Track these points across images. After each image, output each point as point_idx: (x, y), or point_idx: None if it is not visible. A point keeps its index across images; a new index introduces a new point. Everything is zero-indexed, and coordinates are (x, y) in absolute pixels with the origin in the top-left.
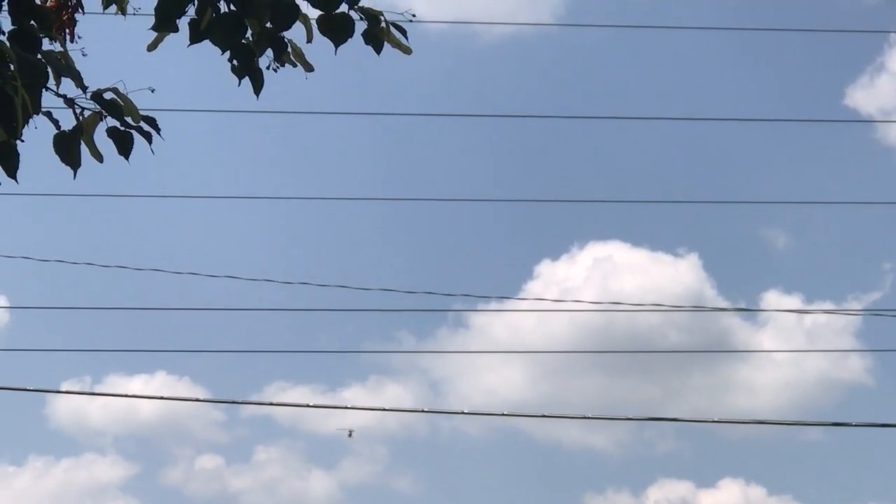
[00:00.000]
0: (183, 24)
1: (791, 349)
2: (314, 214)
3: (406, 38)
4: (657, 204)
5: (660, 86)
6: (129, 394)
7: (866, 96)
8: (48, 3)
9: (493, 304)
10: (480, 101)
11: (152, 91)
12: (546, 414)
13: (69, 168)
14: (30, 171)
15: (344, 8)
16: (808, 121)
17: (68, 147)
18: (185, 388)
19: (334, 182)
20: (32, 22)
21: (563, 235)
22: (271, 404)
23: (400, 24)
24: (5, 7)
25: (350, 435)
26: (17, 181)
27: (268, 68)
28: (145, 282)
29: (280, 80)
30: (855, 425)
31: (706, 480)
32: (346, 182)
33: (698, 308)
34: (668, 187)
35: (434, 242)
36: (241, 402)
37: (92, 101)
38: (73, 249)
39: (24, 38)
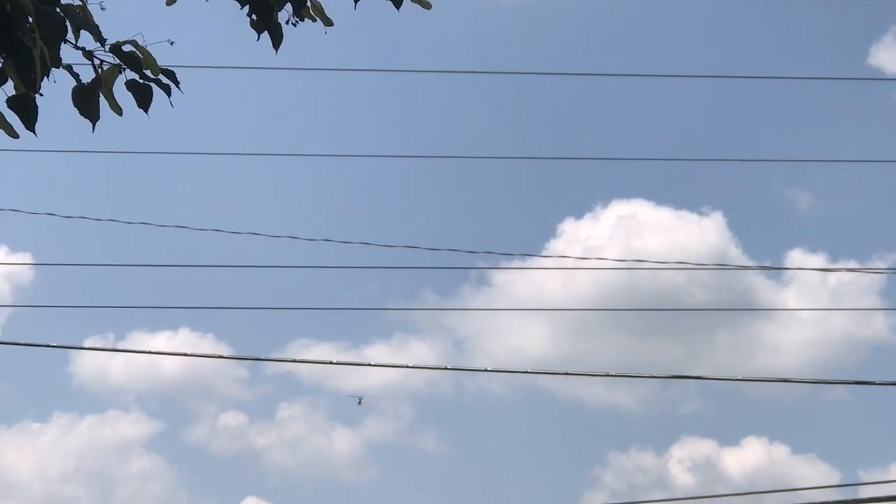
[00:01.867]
0: None
1: (815, 308)
2: (338, 172)
3: None
4: (681, 162)
5: (684, 44)
6: (153, 350)
7: (890, 55)
8: None
9: (517, 262)
10: (504, 58)
11: (171, 44)
12: (570, 371)
13: (88, 121)
14: (51, 127)
15: None
16: (833, 79)
17: (87, 100)
18: (208, 345)
19: (357, 139)
20: None
21: (586, 194)
22: (294, 361)
23: None
24: None
25: (360, 402)
26: (35, 134)
27: (287, 23)
28: (169, 238)
29: (300, 35)
30: (879, 384)
31: (730, 439)
32: (370, 139)
33: (722, 266)
34: (693, 146)
35: (457, 200)
36: (265, 360)
37: (111, 54)
38: (97, 206)
39: None
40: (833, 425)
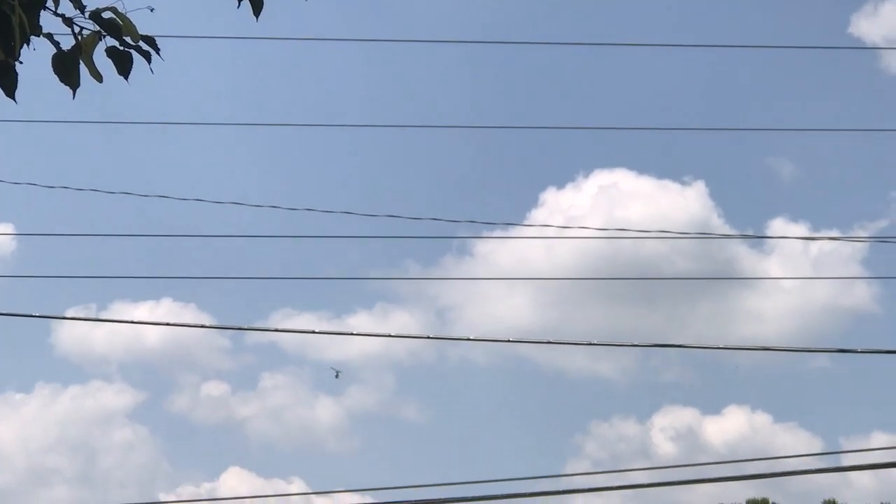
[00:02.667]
0: None
1: (797, 276)
2: (320, 141)
3: None
4: (663, 132)
5: (667, 15)
6: (135, 320)
7: (871, 25)
8: None
9: (499, 232)
10: (487, 29)
11: (151, 10)
12: (552, 340)
13: (69, 89)
14: (32, 97)
15: None
16: (814, 48)
17: (67, 67)
18: (191, 314)
19: (340, 109)
20: None
21: (568, 163)
22: (277, 330)
23: None
24: None
25: (337, 376)
26: (15, 101)
27: None
28: (151, 208)
29: (281, 3)
30: (861, 352)
31: (712, 407)
32: (352, 109)
33: (704, 235)
34: (674, 116)
35: (439, 170)
36: (247, 329)
37: (91, 21)
38: (78, 176)
39: None
40: (815, 394)
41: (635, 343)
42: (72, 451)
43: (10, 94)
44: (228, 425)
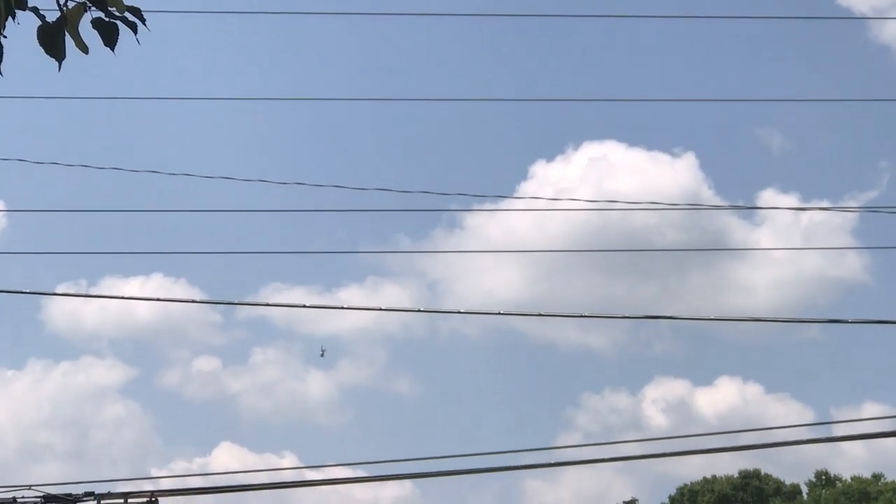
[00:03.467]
0: None
1: (788, 247)
2: (309, 115)
3: None
4: (653, 103)
5: None
6: (126, 296)
7: None
8: None
9: (489, 205)
10: (476, 1)
11: None
12: (543, 313)
13: (54, 60)
14: (19, 71)
15: None
16: (803, 18)
17: (52, 39)
18: (181, 290)
19: (329, 83)
20: None
21: (557, 136)
22: (268, 305)
23: None
24: None
25: (322, 354)
26: (1, 74)
27: None
28: (141, 184)
29: None
30: (852, 322)
31: (703, 379)
32: (341, 83)
33: (694, 206)
34: (664, 87)
35: (428, 143)
36: (238, 304)
37: None
38: (68, 152)
39: None
40: (806, 365)
41: (626, 315)
42: (63, 427)
43: None
44: (220, 400)
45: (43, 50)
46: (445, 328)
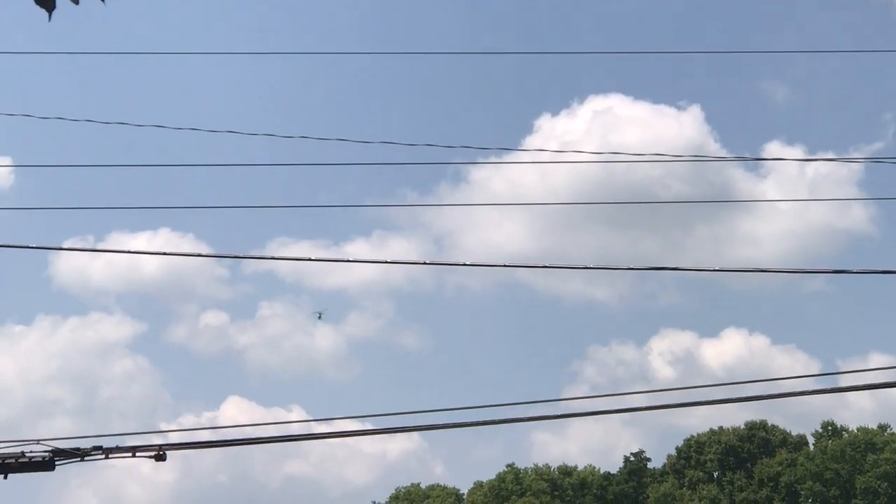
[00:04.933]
0: None
1: (794, 199)
2: (314, 69)
3: None
4: (658, 56)
5: None
6: (132, 250)
7: None
8: None
9: (493, 158)
10: None
11: None
12: (548, 265)
13: (44, 11)
14: (28, 29)
15: None
16: None
17: None
18: (188, 244)
19: (333, 36)
20: None
21: (562, 89)
22: (274, 258)
23: None
24: None
25: (320, 317)
26: None
27: None
28: (146, 138)
29: None
30: (857, 272)
31: (709, 331)
32: (345, 36)
33: (699, 158)
34: (668, 40)
35: (434, 97)
36: (245, 257)
37: None
38: (73, 107)
39: None
40: (812, 316)
41: (632, 266)
42: (72, 383)
43: None
44: (228, 355)
45: (34, 1)
46: (452, 281)
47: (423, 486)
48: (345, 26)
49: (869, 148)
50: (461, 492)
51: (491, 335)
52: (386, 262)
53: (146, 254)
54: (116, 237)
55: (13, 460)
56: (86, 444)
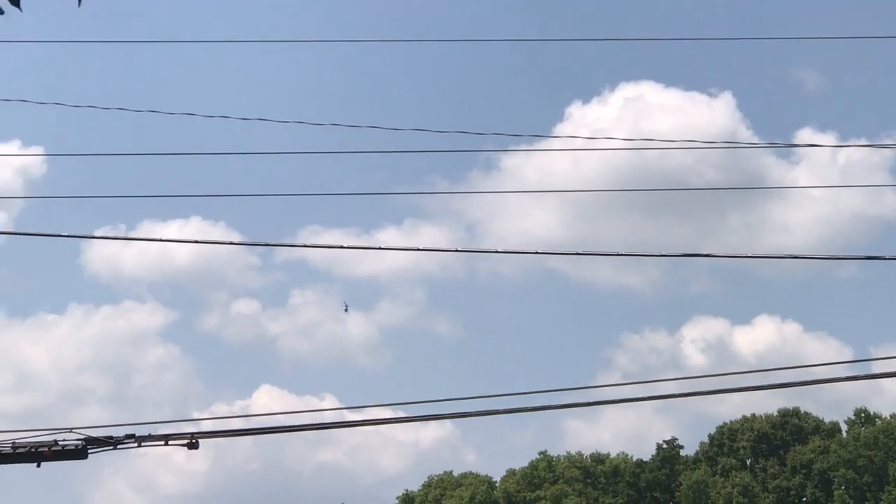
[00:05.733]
0: None
1: (825, 185)
2: (345, 56)
3: None
4: (689, 42)
5: None
6: (164, 238)
7: None
8: None
9: (525, 145)
10: None
11: None
12: (580, 252)
13: None
14: (61, 19)
15: None
16: None
17: None
18: (220, 233)
19: (364, 23)
20: None
21: (593, 76)
22: (305, 246)
23: None
24: None
25: (346, 310)
26: (20, 9)
27: None
28: (178, 126)
29: None
30: (889, 259)
31: (741, 318)
32: (377, 23)
33: (731, 144)
34: (700, 26)
35: (465, 84)
36: (276, 245)
37: None
38: (105, 95)
39: None
40: (844, 302)
41: (664, 253)
42: (105, 371)
43: (16, 2)
44: (259, 343)
45: None
46: (483, 269)
47: (455, 473)
48: (377, 13)
49: None
50: (493, 479)
51: (523, 323)
52: (418, 250)
53: (178, 242)
54: (148, 226)
55: (46, 448)
56: (118, 432)
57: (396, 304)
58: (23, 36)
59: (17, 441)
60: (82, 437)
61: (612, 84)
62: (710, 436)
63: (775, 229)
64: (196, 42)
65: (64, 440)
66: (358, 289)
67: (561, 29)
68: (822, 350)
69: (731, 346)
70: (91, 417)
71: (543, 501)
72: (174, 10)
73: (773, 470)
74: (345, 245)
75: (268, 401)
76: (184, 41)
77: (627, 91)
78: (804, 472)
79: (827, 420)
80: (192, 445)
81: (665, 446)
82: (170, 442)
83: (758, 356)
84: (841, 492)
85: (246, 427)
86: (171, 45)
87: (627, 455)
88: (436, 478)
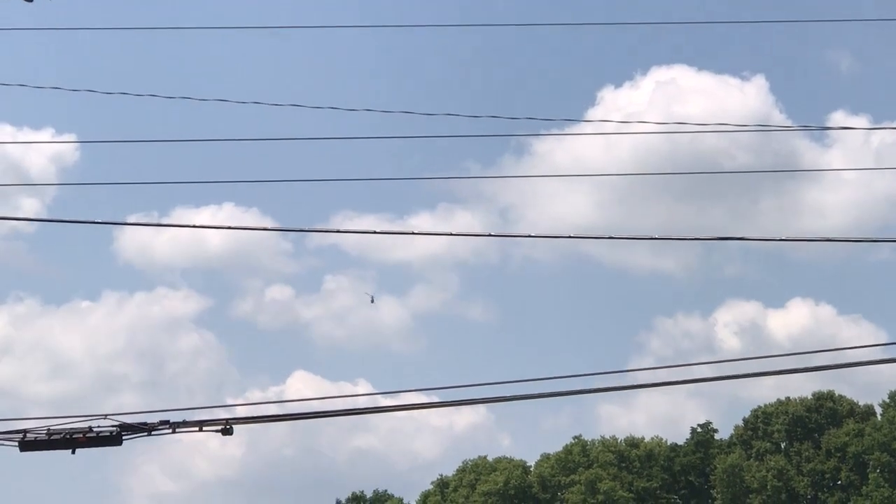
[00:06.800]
0: None
1: (859, 168)
2: (377, 41)
3: None
4: (721, 26)
5: None
6: (197, 224)
7: None
8: None
9: (556, 130)
10: None
11: None
12: (613, 236)
13: None
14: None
15: None
16: None
17: None
18: (253, 219)
19: (398, 8)
20: None
21: (625, 61)
22: (339, 231)
23: None
24: None
25: (372, 301)
26: None
27: None
28: (210, 112)
29: None
30: None
31: (775, 301)
32: (410, 8)
33: (763, 127)
34: (732, 9)
35: (497, 68)
36: (309, 230)
37: None
38: (137, 81)
39: None
40: (879, 285)
41: (697, 236)
42: (139, 358)
43: None
44: (293, 329)
45: None
46: (517, 254)
47: (489, 458)
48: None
49: None
50: (528, 464)
51: (556, 307)
52: (451, 235)
53: (211, 228)
54: (181, 212)
55: (81, 435)
56: (153, 418)
57: (430, 289)
58: (54, 23)
59: (51, 428)
60: (117, 423)
61: (644, 68)
62: (744, 419)
63: (808, 212)
64: (229, 28)
65: (98, 427)
66: (391, 274)
67: (593, 13)
68: (856, 333)
69: (764, 330)
70: (125, 404)
71: (578, 486)
72: None
73: (807, 453)
74: (378, 230)
75: (301, 387)
76: (217, 27)
77: (659, 75)
78: (839, 455)
79: (861, 403)
80: (227, 431)
81: (699, 430)
82: (204, 428)
83: (792, 340)
84: (876, 475)
85: (280, 413)
86: (204, 32)
87: (662, 439)
88: (470, 462)
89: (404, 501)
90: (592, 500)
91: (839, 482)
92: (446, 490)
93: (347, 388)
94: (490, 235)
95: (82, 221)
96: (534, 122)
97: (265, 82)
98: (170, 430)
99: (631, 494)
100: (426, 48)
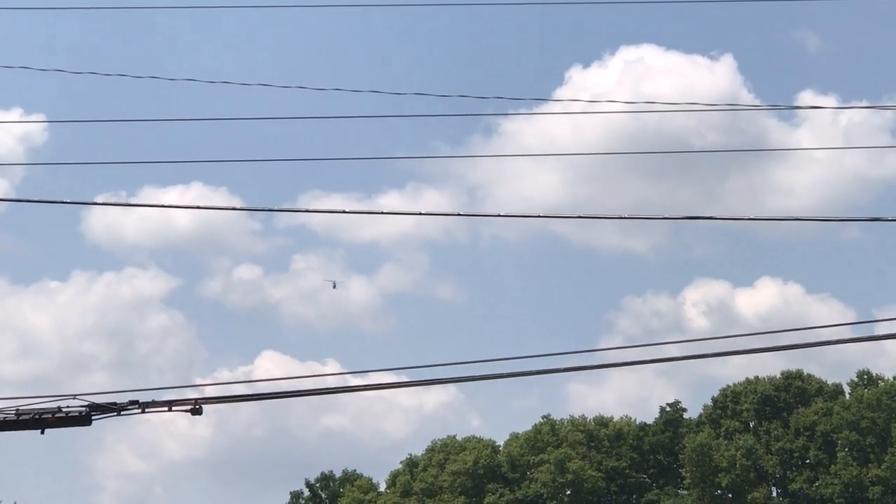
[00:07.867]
0: None
1: (828, 147)
2: (345, 20)
3: None
4: (689, 5)
5: None
6: (165, 204)
7: None
8: None
9: (525, 109)
10: None
11: None
12: (582, 215)
13: None
14: None
15: None
16: None
17: None
18: (221, 198)
19: None
20: None
21: (593, 40)
22: (307, 211)
23: None
24: None
25: (335, 287)
26: None
27: None
28: (178, 92)
29: None
30: (892, 220)
31: (743, 280)
32: None
33: (732, 107)
34: None
35: (465, 48)
36: (277, 210)
37: None
38: (106, 61)
39: None
40: (847, 264)
41: (666, 216)
42: (108, 338)
43: None
44: (262, 308)
45: None
46: (486, 233)
47: (459, 438)
48: None
49: None
50: (497, 444)
51: (525, 287)
52: (420, 214)
53: (179, 208)
54: (149, 192)
55: (50, 415)
56: (122, 398)
57: (399, 268)
58: (22, 3)
59: (21, 408)
60: (86, 403)
61: (613, 47)
62: (713, 398)
63: (777, 191)
64: (197, 8)
65: (68, 407)
66: (360, 253)
67: None
68: (824, 312)
69: (733, 309)
70: (95, 384)
71: (547, 465)
72: None
73: (776, 432)
74: (347, 210)
75: (270, 366)
76: (185, 7)
77: (628, 54)
78: (807, 434)
79: (830, 382)
80: (196, 411)
81: (668, 409)
82: (173, 408)
83: (760, 318)
84: (844, 454)
85: (249, 392)
86: (172, 10)
87: (631, 418)
88: (439, 442)
89: (373, 481)
90: (561, 479)
91: (808, 461)
92: (416, 470)
93: (316, 368)
94: (459, 215)
95: (51, 201)
96: (502, 102)
97: (234, 62)
98: (139, 410)
99: (600, 473)
100: (395, 27)
